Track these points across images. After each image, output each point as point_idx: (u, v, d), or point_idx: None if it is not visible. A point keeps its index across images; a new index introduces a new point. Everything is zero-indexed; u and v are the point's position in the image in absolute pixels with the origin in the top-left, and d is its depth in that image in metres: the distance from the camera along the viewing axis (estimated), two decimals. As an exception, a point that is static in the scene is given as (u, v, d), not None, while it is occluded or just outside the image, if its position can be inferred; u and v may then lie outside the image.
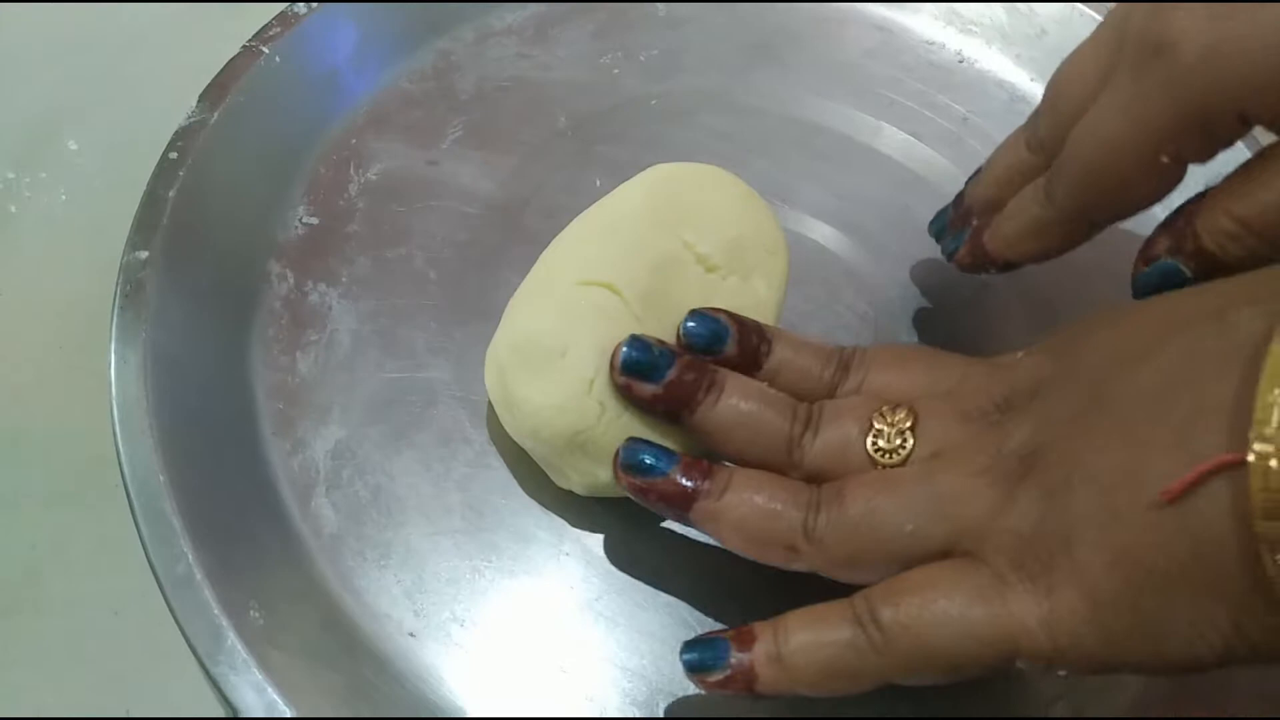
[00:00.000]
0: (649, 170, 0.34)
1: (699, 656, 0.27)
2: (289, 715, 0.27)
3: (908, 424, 0.28)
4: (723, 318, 0.31)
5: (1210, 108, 0.27)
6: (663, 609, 0.31)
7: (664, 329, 0.31)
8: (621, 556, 0.32)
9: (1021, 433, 0.26)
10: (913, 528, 0.26)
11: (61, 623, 0.32)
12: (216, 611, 0.28)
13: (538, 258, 0.33)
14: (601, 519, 0.32)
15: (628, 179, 0.34)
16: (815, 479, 0.28)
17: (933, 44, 0.45)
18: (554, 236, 0.33)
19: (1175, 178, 0.29)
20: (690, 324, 0.30)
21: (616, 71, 0.43)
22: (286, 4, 0.40)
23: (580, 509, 0.32)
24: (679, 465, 0.28)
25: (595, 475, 0.30)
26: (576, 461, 0.30)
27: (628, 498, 0.31)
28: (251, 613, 0.28)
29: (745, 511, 0.28)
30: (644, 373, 0.29)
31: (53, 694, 0.31)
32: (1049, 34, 0.44)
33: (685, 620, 0.31)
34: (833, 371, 0.30)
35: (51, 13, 0.45)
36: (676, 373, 0.29)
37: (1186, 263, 0.29)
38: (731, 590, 0.31)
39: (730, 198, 0.34)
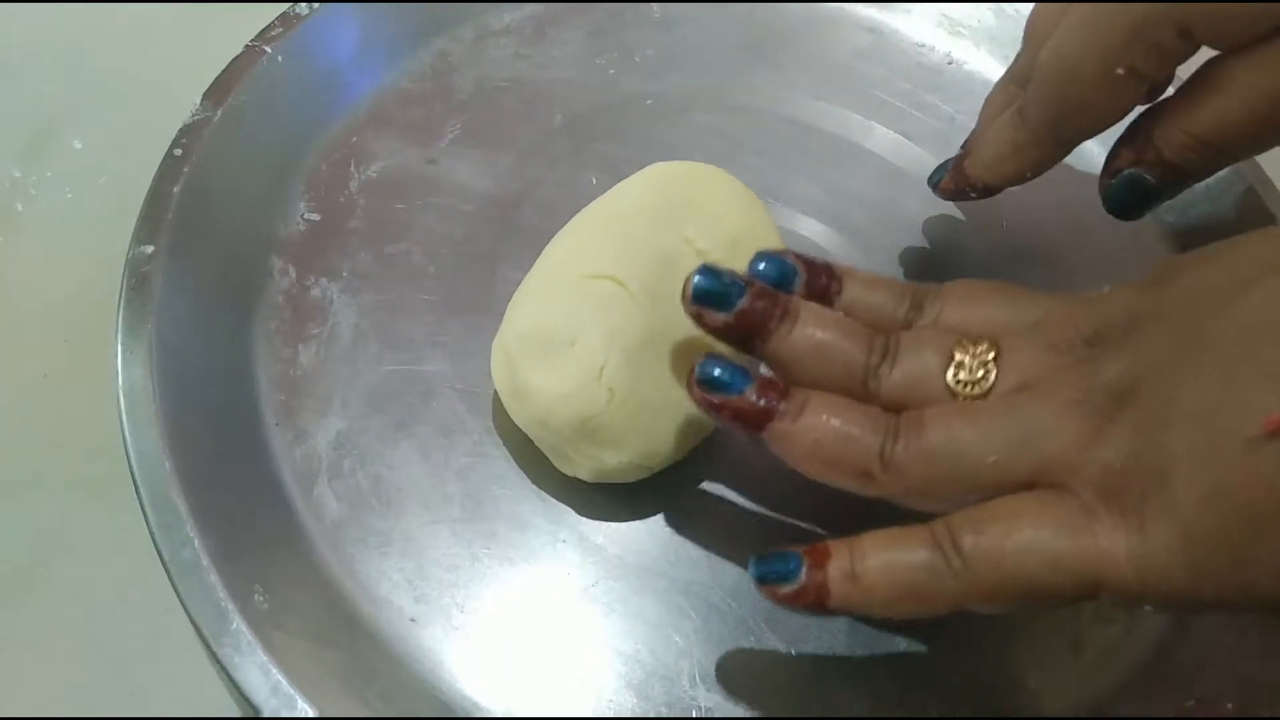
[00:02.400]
0: (649, 168, 0.35)
1: (770, 568, 0.27)
2: (293, 695, 0.27)
3: (990, 356, 0.27)
4: (790, 258, 0.30)
5: (1151, 21, 0.29)
6: (657, 594, 0.31)
7: (668, 322, 0.31)
8: (617, 543, 0.32)
9: (1115, 367, 0.25)
10: (995, 458, 0.25)
11: (68, 609, 0.32)
12: (221, 595, 0.28)
13: (534, 253, 0.34)
14: (598, 507, 0.33)
15: (623, 177, 0.35)
16: (893, 410, 0.27)
17: (922, 46, 0.46)
18: (550, 233, 0.34)
19: (1134, 93, 0.31)
20: (758, 265, 0.30)
21: (612, 71, 0.43)
22: (288, 4, 0.40)
23: (577, 497, 0.33)
24: (755, 384, 0.27)
25: (602, 460, 0.31)
26: (584, 447, 0.31)
27: (626, 485, 0.32)
28: (256, 596, 0.29)
29: (821, 434, 0.27)
30: (715, 301, 0.28)
31: (59, 679, 0.31)
32: (1036, 36, 0.45)
33: (679, 606, 0.31)
34: (906, 308, 0.29)
35: (55, 13, 0.45)
36: (749, 300, 0.28)
37: (1150, 171, 0.32)
38: (725, 576, 0.32)
39: (728, 196, 0.35)
